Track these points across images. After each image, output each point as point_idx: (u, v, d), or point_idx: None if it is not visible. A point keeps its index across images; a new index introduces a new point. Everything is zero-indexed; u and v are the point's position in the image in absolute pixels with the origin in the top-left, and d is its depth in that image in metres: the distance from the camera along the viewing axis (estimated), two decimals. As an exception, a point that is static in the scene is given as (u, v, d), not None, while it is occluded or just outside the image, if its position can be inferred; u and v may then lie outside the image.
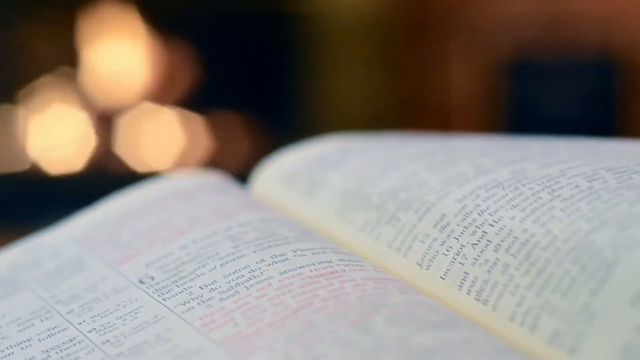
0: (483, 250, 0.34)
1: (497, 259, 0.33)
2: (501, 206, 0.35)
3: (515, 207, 0.35)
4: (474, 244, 0.34)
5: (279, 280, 0.34)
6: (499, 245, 0.33)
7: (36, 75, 1.65)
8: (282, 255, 0.35)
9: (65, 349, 0.34)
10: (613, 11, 1.64)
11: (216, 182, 0.44)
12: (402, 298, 0.32)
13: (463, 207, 0.36)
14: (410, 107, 1.76)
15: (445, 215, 0.36)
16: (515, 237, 0.33)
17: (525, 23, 1.67)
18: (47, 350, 0.34)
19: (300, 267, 0.34)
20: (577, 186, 0.35)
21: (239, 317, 0.32)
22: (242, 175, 0.53)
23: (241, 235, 0.37)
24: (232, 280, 0.34)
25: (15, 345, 0.35)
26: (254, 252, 0.36)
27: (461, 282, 0.34)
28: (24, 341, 0.35)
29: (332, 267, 0.35)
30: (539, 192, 0.35)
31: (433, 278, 0.35)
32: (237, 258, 0.36)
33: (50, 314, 0.36)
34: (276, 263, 0.35)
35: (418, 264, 0.35)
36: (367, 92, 1.72)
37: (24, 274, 0.39)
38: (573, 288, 0.30)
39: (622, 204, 0.33)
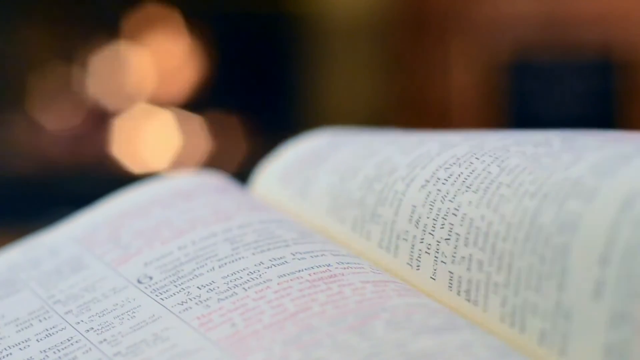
0: (456, 246, 0.33)
1: (470, 255, 0.33)
2: (458, 189, 0.34)
3: (469, 188, 0.34)
4: (447, 239, 0.34)
5: (278, 284, 0.34)
6: (467, 239, 0.33)
7: (36, 75, 1.65)
8: (281, 258, 0.35)
9: (62, 349, 0.34)
10: (613, 11, 1.64)
11: (216, 182, 0.44)
12: (400, 301, 0.32)
13: (427, 195, 0.35)
14: (410, 107, 1.76)
15: (415, 207, 0.36)
16: (478, 227, 0.33)
17: (525, 23, 1.67)
18: (44, 351, 0.34)
19: (299, 271, 0.34)
20: (523, 153, 0.34)
21: (237, 317, 0.32)
22: (241, 175, 0.53)
23: (240, 237, 0.37)
24: (231, 281, 0.34)
25: (13, 346, 0.35)
26: (253, 254, 0.36)
27: (449, 283, 0.33)
28: (23, 342, 0.35)
29: (330, 270, 0.34)
30: (489, 165, 0.34)
31: (425, 279, 0.34)
32: (236, 260, 0.36)
33: (49, 314, 0.36)
34: (275, 266, 0.35)
35: (408, 264, 0.35)
36: (367, 92, 1.72)
37: (23, 274, 0.39)
38: (542, 283, 0.30)
39: (558, 170, 0.32)
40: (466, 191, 0.34)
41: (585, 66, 1.66)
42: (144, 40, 1.69)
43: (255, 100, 1.73)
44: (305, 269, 0.35)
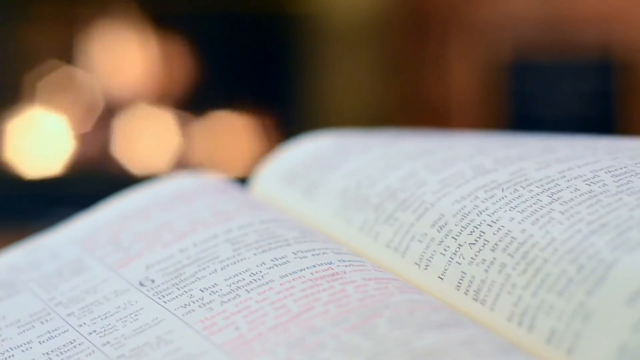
0: (480, 249, 0.34)
1: (494, 259, 0.33)
2: (500, 207, 0.35)
3: (514, 208, 0.35)
4: (472, 244, 0.34)
5: (280, 284, 0.34)
6: (496, 245, 0.34)
7: (36, 74, 1.65)
8: (282, 257, 0.35)
9: (66, 351, 0.34)
10: (613, 11, 1.64)
11: (215, 183, 0.44)
12: (403, 298, 0.32)
13: (462, 208, 0.36)
14: (410, 107, 1.76)
15: (443, 215, 0.36)
16: (513, 237, 0.33)
17: (525, 23, 1.67)
18: (47, 353, 0.34)
19: (301, 270, 0.34)
20: (576, 189, 0.35)
21: (240, 320, 0.32)
22: (241, 176, 0.53)
23: (241, 237, 0.37)
24: (233, 283, 0.34)
25: (15, 348, 0.34)
26: (255, 255, 0.36)
27: (459, 282, 0.34)
28: (25, 343, 0.35)
29: (333, 268, 0.34)
30: (538, 194, 0.35)
31: (431, 278, 0.35)
32: (238, 261, 0.36)
33: (51, 316, 0.36)
34: (277, 266, 0.35)
35: (416, 263, 0.36)
36: (367, 92, 1.71)
37: (23, 276, 0.39)
38: (569, 287, 0.31)
39: (621, 209, 0.33)
40: (510, 210, 0.35)
41: (585, 66, 1.66)
42: (145, 40, 1.69)
43: (256, 100, 1.73)
44: (307, 268, 0.35)
